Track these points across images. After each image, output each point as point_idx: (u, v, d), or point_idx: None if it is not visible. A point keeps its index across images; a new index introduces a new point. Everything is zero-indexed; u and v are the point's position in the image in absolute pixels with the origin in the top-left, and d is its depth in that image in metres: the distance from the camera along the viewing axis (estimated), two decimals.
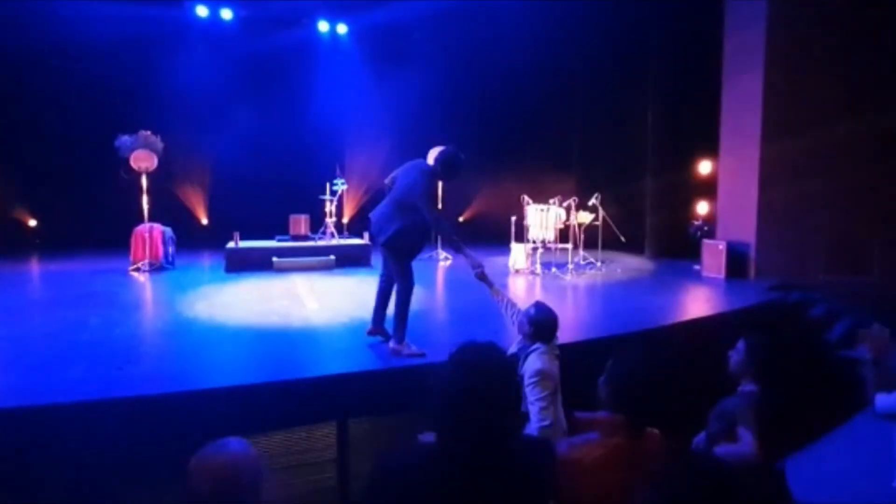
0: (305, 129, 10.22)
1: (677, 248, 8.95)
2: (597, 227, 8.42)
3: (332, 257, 8.25)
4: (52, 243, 9.06)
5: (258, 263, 7.86)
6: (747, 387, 2.38)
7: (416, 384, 3.69)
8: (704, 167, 8.86)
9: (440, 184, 4.34)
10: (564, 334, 4.73)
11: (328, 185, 8.78)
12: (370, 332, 4.50)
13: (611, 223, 8.47)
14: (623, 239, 8.56)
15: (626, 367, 1.93)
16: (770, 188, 7.35)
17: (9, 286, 6.16)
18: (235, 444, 1.58)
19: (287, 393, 3.57)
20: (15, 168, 8.77)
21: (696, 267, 8.00)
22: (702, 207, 8.85)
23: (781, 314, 5.87)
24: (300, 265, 8.00)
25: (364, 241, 8.73)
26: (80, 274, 7.38)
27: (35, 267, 7.70)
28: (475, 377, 1.44)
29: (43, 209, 8.85)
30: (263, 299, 6.01)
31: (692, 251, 8.27)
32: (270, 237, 8.62)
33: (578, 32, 9.68)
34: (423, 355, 4.07)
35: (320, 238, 8.76)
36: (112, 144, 7.49)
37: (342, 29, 10.76)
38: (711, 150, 8.39)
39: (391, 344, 4.23)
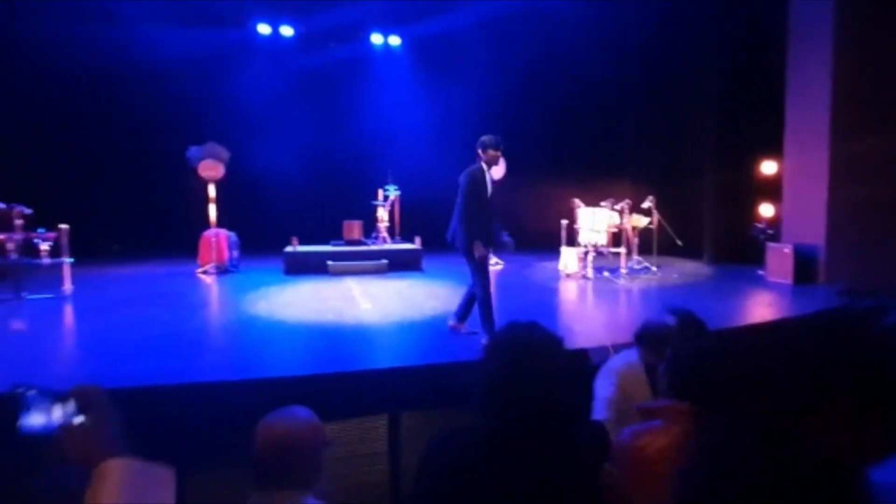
0: (359, 137, 10.57)
1: (739, 252, 8.58)
2: (651, 230, 8.21)
3: (385, 261, 8.46)
4: (128, 247, 9.77)
5: (314, 267, 8.17)
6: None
7: (467, 379, 3.75)
8: (768, 167, 8.48)
9: (487, 176, 4.51)
10: (619, 336, 4.66)
11: (381, 191, 9.03)
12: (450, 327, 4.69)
13: (666, 226, 8.24)
14: (679, 243, 8.29)
15: (686, 354, 1.90)
16: (840, 189, 6.95)
17: (93, 286, 6.71)
18: (301, 412, 1.70)
19: (340, 384, 3.71)
20: (97, 178, 9.54)
21: (761, 272, 7.64)
22: (765, 209, 8.45)
23: (851, 321, 5.51)
24: (354, 269, 8.25)
25: (415, 245, 8.90)
26: (153, 275, 7.92)
27: (114, 269, 8.34)
28: (517, 353, 1.44)
29: (120, 215, 9.57)
30: (319, 299, 6.26)
31: (755, 255, 7.91)
32: (326, 242, 8.95)
33: (630, 31, 9.55)
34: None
35: (373, 243, 9.00)
36: (182, 155, 8.05)
37: (395, 41, 11.08)
38: (775, 150, 8.02)
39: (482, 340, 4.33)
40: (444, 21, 10.04)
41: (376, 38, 10.96)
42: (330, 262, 8.25)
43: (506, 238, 4.71)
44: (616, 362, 2.65)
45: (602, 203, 7.96)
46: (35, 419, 0.88)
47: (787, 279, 7.14)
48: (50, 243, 5.93)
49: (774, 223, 8.13)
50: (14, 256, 5.78)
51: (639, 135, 10.64)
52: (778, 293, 6.72)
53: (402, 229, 9.92)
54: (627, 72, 10.44)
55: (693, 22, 8.87)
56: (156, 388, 3.35)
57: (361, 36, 10.85)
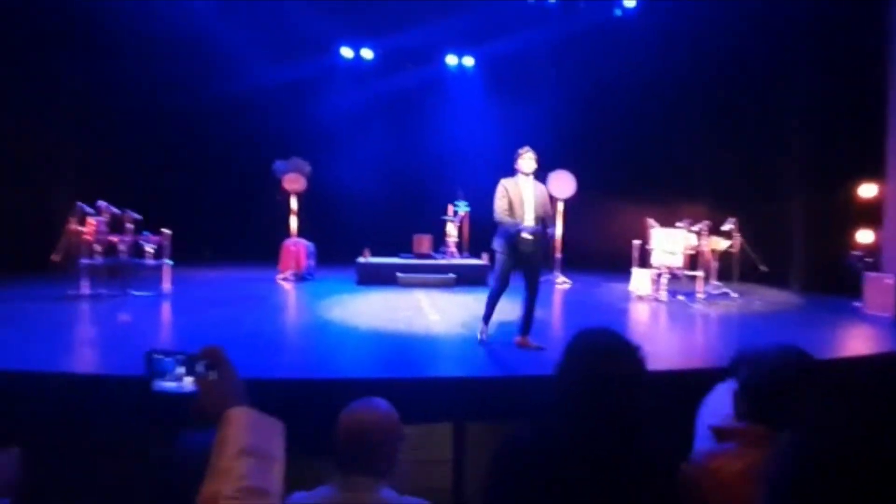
0: (432, 154, 10.88)
1: (831, 281, 7.94)
2: (732, 254, 7.81)
3: (452, 275, 8.59)
4: (218, 252, 10.55)
5: (384, 278, 8.45)
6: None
7: (533, 393, 3.75)
8: (867, 190, 7.83)
9: (517, 181, 4.69)
10: (693, 361, 4.47)
11: (451, 207, 9.22)
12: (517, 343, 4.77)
13: (748, 251, 7.80)
14: (764, 268, 7.82)
15: (762, 374, 1.84)
16: None
17: (188, 287, 7.33)
18: (381, 403, 1.81)
19: (408, 389, 3.82)
20: (195, 188, 10.41)
21: (857, 303, 7.03)
22: (864, 236, 7.79)
23: None
24: (422, 281, 8.44)
25: (483, 261, 8.98)
26: (239, 279, 8.52)
27: (206, 272, 9.05)
28: (591, 356, 1.46)
29: (211, 224, 10.38)
30: (389, 309, 6.47)
31: (850, 286, 7.30)
32: (396, 254, 9.24)
33: (708, 45, 9.22)
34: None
35: (441, 257, 9.18)
36: (268, 170, 8.65)
37: (469, 61, 11.38)
38: (874, 172, 7.41)
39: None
40: (516, 41, 10.21)
41: (451, 60, 11.30)
42: (400, 274, 8.49)
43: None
44: (725, 389, 2.57)
45: (678, 223, 7.68)
46: (169, 380, 1.04)
47: (888, 312, 6.52)
48: (154, 246, 6.56)
49: (874, 251, 7.47)
50: (124, 257, 6.45)
51: (718, 153, 10.19)
52: (878, 326, 6.15)
53: (470, 245, 10.05)
54: (706, 86, 10.08)
55: (781, 33, 8.44)
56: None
57: (437, 57, 11.24)
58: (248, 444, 0.91)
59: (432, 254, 9.24)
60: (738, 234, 7.70)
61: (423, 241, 9.29)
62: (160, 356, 1.05)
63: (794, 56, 8.45)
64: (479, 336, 4.84)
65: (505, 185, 4.61)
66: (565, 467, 1.41)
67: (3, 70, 7.75)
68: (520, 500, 1.43)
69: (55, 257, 6.20)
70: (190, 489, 0.98)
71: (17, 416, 2.72)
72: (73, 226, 6.10)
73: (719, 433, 1.85)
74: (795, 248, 8.58)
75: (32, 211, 8.08)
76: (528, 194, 4.58)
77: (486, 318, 4.82)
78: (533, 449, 1.50)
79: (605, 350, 1.48)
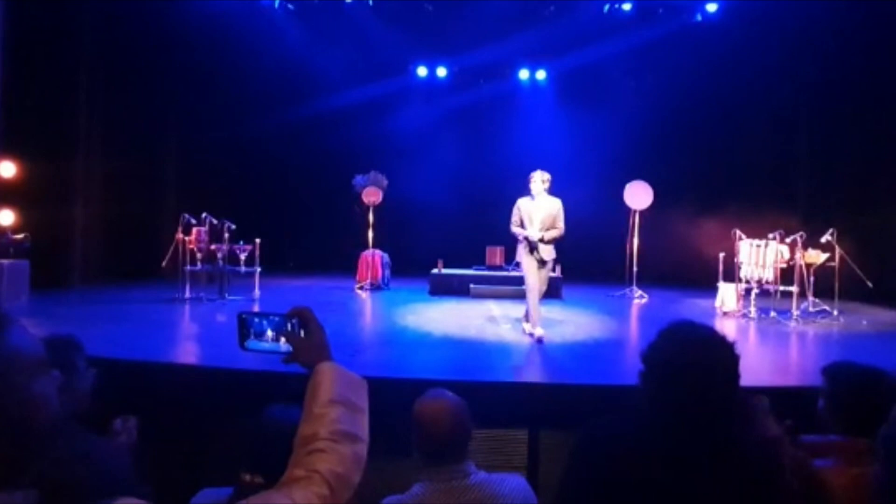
0: (505, 167, 10.91)
1: None
2: (832, 268, 7.17)
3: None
4: (300, 261, 11.17)
5: (457, 289, 8.58)
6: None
7: (609, 401, 3.69)
8: None
9: (529, 201, 5.74)
10: (788, 378, 4.18)
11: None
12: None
13: (851, 264, 7.13)
14: (870, 284, 7.12)
15: (851, 384, 1.73)
16: None
17: (275, 293, 7.86)
18: (447, 392, 1.88)
19: (482, 393, 3.87)
20: (282, 201, 11.15)
21: None
22: None
23: None
24: (494, 293, 8.48)
25: (556, 274, 8.87)
26: (320, 287, 8.98)
27: (290, 280, 9.63)
28: (684, 345, 1.42)
29: (295, 235, 11.04)
30: (462, 317, 6.58)
31: None
32: (469, 266, 9.35)
33: (797, 45, 8.67)
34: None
35: (514, 269, 9.17)
36: (349, 183, 9.11)
37: (541, 75, 11.41)
38: None
39: None
40: (590, 52, 10.10)
41: (523, 74, 11.39)
42: (472, 286, 8.59)
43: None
44: None
45: (769, 235, 7.19)
46: (262, 340, 1.15)
47: None
48: (246, 254, 7.10)
49: None
50: (221, 264, 7.04)
51: (812, 159, 9.47)
52: None
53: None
54: (798, 89, 9.45)
55: (884, 25, 7.76)
56: None
57: (510, 72, 11.36)
58: (337, 394, 1.01)
59: (505, 266, 9.27)
60: (838, 247, 7.09)
61: (496, 253, 9.34)
62: (252, 317, 1.13)
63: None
64: (524, 331, 5.59)
65: (519, 203, 5.71)
66: (651, 460, 1.36)
67: (124, 91, 8.75)
68: (599, 492, 1.39)
69: (165, 264, 6.89)
70: (275, 454, 1.10)
71: (133, 395, 3.08)
72: (180, 235, 6.76)
73: (810, 449, 1.74)
74: None
75: (144, 222, 9.02)
76: (535, 211, 5.59)
77: (526, 314, 5.63)
78: (617, 439, 1.45)
79: (701, 339, 1.42)
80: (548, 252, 5.51)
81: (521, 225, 5.57)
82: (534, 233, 5.45)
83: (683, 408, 1.37)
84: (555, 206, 5.64)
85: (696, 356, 1.38)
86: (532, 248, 5.46)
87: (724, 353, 1.41)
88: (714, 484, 1.35)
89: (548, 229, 5.51)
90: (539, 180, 5.69)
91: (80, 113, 8.15)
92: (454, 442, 1.80)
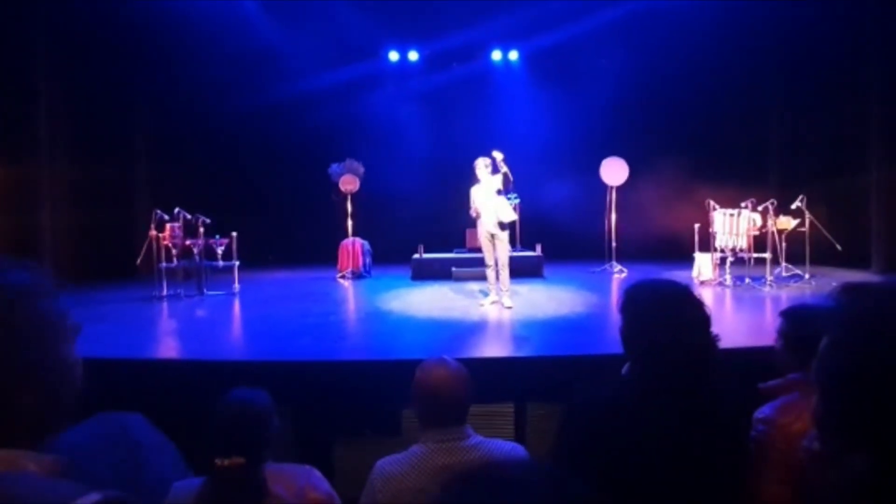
0: (482, 149, 10.89)
1: None
2: (802, 233, 7.38)
3: None
4: (279, 253, 11.05)
5: (439, 273, 8.59)
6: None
7: (593, 371, 3.75)
8: None
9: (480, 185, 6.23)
10: (762, 339, 4.30)
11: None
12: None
13: (821, 229, 7.34)
14: (839, 247, 7.34)
15: (804, 320, 1.79)
16: None
17: (255, 286, 7.78)
18: (454, 362, 1.89)
19: (468, 368, 3.89)
20: (257, 193, 10.98)
21: None
22: None
23: None
24: (476, 275, 8.47)
25: (537, 253, 8.95)
26: (301, 278, 8.91)
27: (270, 273, 9.53)
28: (648, 302, 1.49)
29: (273, 226, 10.90)
30: (444, 300, 6.61)
31: None
32: (450, 250, 9.36)
33: (773, 15, 8.75)
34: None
35: (518, 251, 9.19)
36: (324, 172, 9.00)
37: (514, 56, 11.37)
38: None
39: None
40: (562, 32, 10.08)
41: (496, 55, 11.33)
42: (454, 269, 8.61)
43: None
44: None
45: (742, 204, 7.35)
46: None
47: None
48: (223, 248, 6.99)
49: None
50: (197, 259, 6.92)
51: (782, 126, 9.64)
52: None
53: (523, 238, 10.02)
54: (769, 56, 9.57)
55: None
56: (310, 364, 3.84)
57: (482, 54, 11.30)
58: None
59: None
60: (808, 213, 7.28)
61: (476, 236, 9.35)
62: None
63: (873, 23, 7.90)
64: (503, 306, 5.91)
65: (472, 192, 6.22)
66: (639, 420, 1.41)
67: (86, 91, 8.48)
68: (592, 454, 1.43)
69: (139, 262, 6.75)
70: (247, 432, 1.47)
71: (112, 392, 3.04)
72: (153, 232, 6.62)
73: (766, 392, 1.81)
74: (875, 225, 8.01)
75: (117, 222, 8.81)
76: (484, 194, 6.09)
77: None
78: (604, 404, 1.51)
79: (667, 283, 1.50)
80: (492, 224, 5.97)
81: (478, 208, 6.13)
82: (490, 225, 5.97)
83: (664, 350, 1.41)
84: (497, 179, 6.14)
85: (665, 295, 1.47)
86: (492, 234, 6.03)
87: (693, 307, 1.49)
88: (693, 435, 1.40)
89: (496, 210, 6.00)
90: (482, 166, 6.16)
91: (42, 115, 7.88)
92: (455, 406, 1.81)
